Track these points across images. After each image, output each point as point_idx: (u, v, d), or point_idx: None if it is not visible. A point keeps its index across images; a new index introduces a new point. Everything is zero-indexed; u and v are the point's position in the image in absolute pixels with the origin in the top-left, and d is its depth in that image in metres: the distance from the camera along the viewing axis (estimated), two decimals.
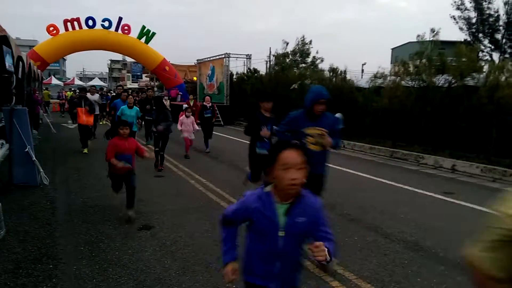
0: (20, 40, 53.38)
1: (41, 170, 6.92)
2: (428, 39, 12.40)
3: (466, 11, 21.05)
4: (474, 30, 21.06)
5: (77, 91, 28.42)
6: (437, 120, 10.96)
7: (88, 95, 12.08)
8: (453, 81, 10.92)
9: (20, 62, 7.55)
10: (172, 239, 4.60)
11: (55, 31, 21.36)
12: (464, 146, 10.43)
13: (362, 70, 36.76)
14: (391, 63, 34.69)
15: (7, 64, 5.87)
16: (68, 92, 27.78)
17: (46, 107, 22.78)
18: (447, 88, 11.02)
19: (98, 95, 14.75)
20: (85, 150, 10.26)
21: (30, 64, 11.01)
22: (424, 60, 11.79)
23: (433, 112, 11.03)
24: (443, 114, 10.83)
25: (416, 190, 7.51)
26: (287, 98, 16.51)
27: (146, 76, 55.54)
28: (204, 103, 11.59)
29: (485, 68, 11.42)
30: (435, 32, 12.25)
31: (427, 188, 7.65)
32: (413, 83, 11.89)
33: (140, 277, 3.67)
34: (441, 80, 11.24)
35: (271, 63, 24.21)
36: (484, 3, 20.36)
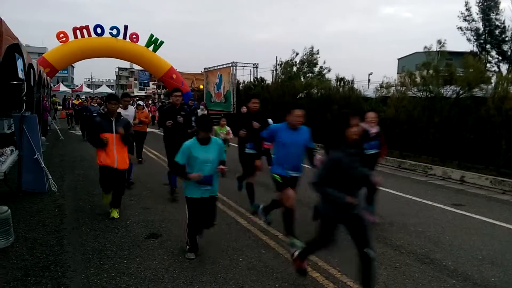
0: (30, 47, 54.07)
1: (50, 177, 6.96)
2: (435, 50, 12.40)
3: (473, 22, 21.03)
4: (481, 41, 21.01)
5: (84, 97, 25.74)
6: (445, 131, 10.89)
7: (121, 110, 6.21)
8: (461, 92, 10.87)
9: (31, 70, 7.62)
10: (180, 248, 4.57)
11: (64, 38, 21.63)
12: (473, 158, 10.34)
13: (369, 80, 36.83)
14: (397, 73, 34.69)
15: (19, 72, 5.94)
16: (75, 100, 26.11)
17: (55, 114, 22.93)
18: (455, 99, 10.97)
19: (133, 108, 8.87)
20: (115, 214, 5.71)
21: (40, 71, 11.12)
22: (431, 71, 11.77)
23: (441, 122, 10.96)
24: (451, 125, 10.76)
25: (425, 201, 7.43)
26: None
27: (153, 84, 56.09)
28: (365, 124, 5.76)
29: (493, 79, 11.37)
30: (441, 44, 12.27)
31: (436, 199, 7.58)
32: (420, 93, 11.85)
33: (148, 287, 3.66)
34: (448, 91, 11.20)
35: (278, 72, 24.29)
36: (491, 14, 20.34)
